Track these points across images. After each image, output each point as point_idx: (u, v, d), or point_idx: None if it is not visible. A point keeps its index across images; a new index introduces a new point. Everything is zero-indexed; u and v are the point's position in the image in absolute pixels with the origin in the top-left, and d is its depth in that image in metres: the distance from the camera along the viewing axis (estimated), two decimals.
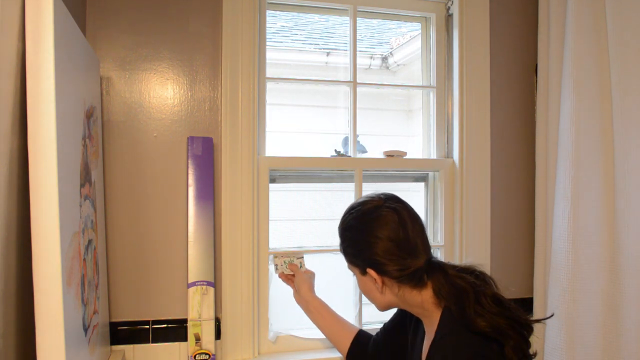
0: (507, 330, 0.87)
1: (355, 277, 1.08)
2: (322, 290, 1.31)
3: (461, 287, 0.93)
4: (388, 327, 1.21)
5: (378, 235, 0.97)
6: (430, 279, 0.97)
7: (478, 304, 0.90)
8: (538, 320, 0.95)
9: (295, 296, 1.31)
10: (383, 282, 0.99)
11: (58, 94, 0.77)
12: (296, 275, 1.32)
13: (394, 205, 1.01)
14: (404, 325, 1.16)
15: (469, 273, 0.97)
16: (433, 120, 1.61)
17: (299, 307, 1.30)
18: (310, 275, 1.33)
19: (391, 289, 0.99)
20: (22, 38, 0.75)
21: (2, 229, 0.71)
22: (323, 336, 1.42)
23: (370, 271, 0.99)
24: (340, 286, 1.46)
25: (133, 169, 1.31)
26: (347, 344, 1.23)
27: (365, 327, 1.45)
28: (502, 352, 0.87)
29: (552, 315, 1.07)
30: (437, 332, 0.94)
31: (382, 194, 1.05)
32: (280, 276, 1.35)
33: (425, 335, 1.04)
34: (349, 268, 1.08)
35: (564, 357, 1.33)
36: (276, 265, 1.35)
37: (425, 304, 0.98)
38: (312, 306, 1.28)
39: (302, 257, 1.37)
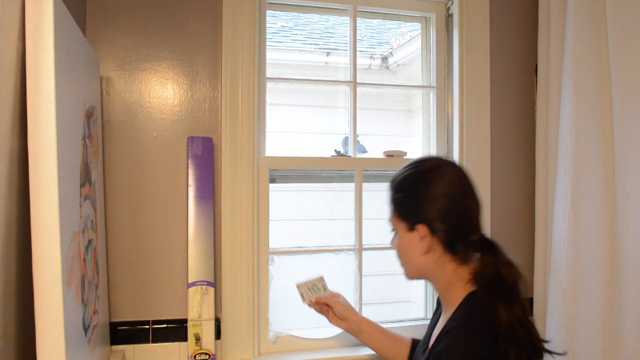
0: (519, 339, 0.86)
1: (394, 234, 1.04)
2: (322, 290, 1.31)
3: (504, 276, 0.91)
4: (429, 325, 1.17)
5: (440, 192, 0.94)
6: (481, 256, 0.94)
7: (512, 300, 0.88)
8: (551, 352, 0.93)
9: (340, 324, 1.27)
10: (431, 243, 0.95)
11: (58, 94, 0.77)
12: (331, 303, 1.26)
13: (459, 171, 0.99)
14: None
15: (515, 269, 0.95)
16: (433, 120, 1.61)
17: (307, 312, 1.29)
18: (344, 298, 1.30)
19: (434, 253, 0.96)
20: (22, 38, 0.75)
21: (2, 229, 0.71)
22: (323, 336, 1.42)
23: (422, 228, 0.95)
24: (340, 286, 1.46)
25: (133, 169, 1.31)
26: (405, 357, 1.20)
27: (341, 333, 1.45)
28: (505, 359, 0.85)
29: (564, 353, 1.04)
30: (452, 317, 0.93)
31: (440, 156, 1.04)
32: (310, 305, 1.29)
33: (441, 316, 1.03)
34: (392, 222, 1.03)
35: (564, 357, 1.33)
36: (302, 294, 1.29)
37: (456, 281, 0.95)
38: (364, 329, 1.25)
39: (323, 280, 1.32)
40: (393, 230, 1.05)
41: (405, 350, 1.22)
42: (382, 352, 1.25)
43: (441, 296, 1.02)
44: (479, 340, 0.86)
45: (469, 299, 0.93)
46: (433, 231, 0.95)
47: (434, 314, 1.17)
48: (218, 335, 1.33)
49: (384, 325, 1.31)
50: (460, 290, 0.95)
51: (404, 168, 1.03)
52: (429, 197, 0.95)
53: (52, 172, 0.74)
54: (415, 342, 1.23)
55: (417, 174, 1.00)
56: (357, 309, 1.48)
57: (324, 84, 1.75)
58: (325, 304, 1.27)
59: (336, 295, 1.31)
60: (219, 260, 1.34)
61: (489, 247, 0.95)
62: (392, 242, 1.06)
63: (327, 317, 1.29)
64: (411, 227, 0.97)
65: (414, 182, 0.99)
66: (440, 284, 1.00)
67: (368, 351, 1.36)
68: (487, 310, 0.88)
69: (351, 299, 1.49)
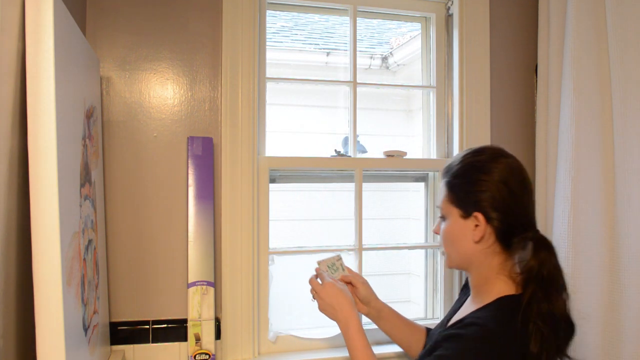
0: (552, 342, 0.86)
1: (442, 220, 1.02)
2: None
3: (558, 277, 0.91)
4: (452, 308, 1.15)
5: (501, 181, 0.93)
6: (535, 252, 0.92)
7: (555, 300, 0.88)
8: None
9: (361, 308, 1.22)
10: (484, 232, 0.93)
11: (58, 94, 0.77)
12: (356, 283, 1.20)
13: (519, 163, 0.99)
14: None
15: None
16: (433, 120, 1.61)
17: (360, 313, 1.23)
18: (366, 280, 1.24)
19: (485, 242, 0.94)
20: (22, 38, 0.75)
21: (2, 229, 0.71)
22: (323, 336, 1.42)
23: (478, 215, 0.93)
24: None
25: (133, 169, 1.31)
26: (420, 345, 1.18)
27: (365, 327, 1.45)
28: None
29: None
30: (476, 313, 0.92)
31: (501, 148, 1.02)
32: (341, 279, 1.21)
33: (466, 305, 1.02)
34: (444, 208, 1.01)
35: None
36: (322, 272, 1.23)
37: (499, 274, 0.94)
38: (383, 314, 1.22)
39: (341, 259, 1.26)
40: (441, 216, 1.03)
41: (422, 338, 1.21)
42: (398, 339, 1.24)
43: (476, 287, 0.99)
44: (489, 342, 0.85)
45: (501, 301, 0.92)
46: (488, 220, 0.93)
47: (458, 299, 1.15)
48: (218, 335, 1.33)
49: None
50: (498, 284, 0.94)
51: (463, 155, 1.01)
52: (489, 186, 0.93)
53: (52, 172, 0.74)
54: (429, 331, 1.22)
55: (478, 162, 0.98)
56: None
57: (324, 84, 1.74)
58: (350, 282, 1.21)
59: (359, 276, 1.27)
60: (219, 260, 1.34)
61: (544, 244, 0.94)
62: (435, 229, 1.05)
63: None
64: (466, 214, 0.96)
65: (475, 169, 0.97)
66: (480, 275, 0.98)
67: None
68: (514, 316, 0.87)
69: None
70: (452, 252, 1.00)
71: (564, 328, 0.88)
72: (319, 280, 1.15)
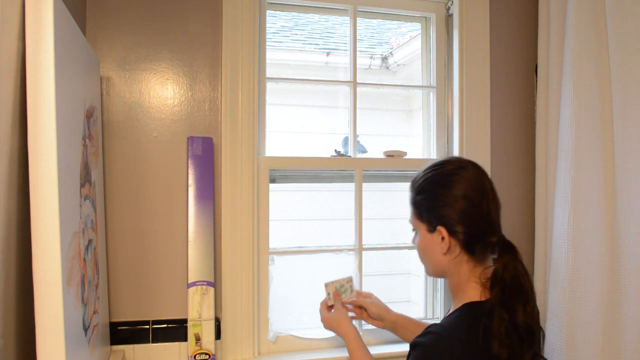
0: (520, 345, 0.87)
1: (415, 233, 1.06)
2: (323, 290, 1.31)
3: (522, 279, 0.92)
4: None
5: (460, 195, 0.96)
6: (499, 257, 0.94)
7: (529, 303, 0.89)
8: None
9: (376, 323, 1.32)
10: (450, 244, 0.97)
11: (58, 94, 0.77)
12: (365, 304, 1.32)
13: (480, 173, 1.01)
14: None
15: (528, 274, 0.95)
16: (433, 120, 1.61)
17: (318, 313, 1.30)
18: (377, 298, 1.35)
19: (452, 252, 0.97)
20: (22, 38, 0.75)
21: (2, 229, 0.71)
22: (323, 336, 1.42)
23: (442, 229, 0.97)
24: None
25: (133, 169, 1.31)
26: None
27: (365, 327, 1.45)
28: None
29: None
30: (449, 314, 0.94)
31: (462, 158, 1.04)
32: (343, 305, 1.31)
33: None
34: (412, 223, 1.06)
35: (564, 356, 1.33)
36: (329, 294, 1.30)
37: (470, 280, 0.96)
38: (398, 325, 1.29)
39: (352, 281, 1.34)
40: (414, 230, 1.07)
41: None
42: None
43: (451, 293, 1.02)
44: (443, 349, 0.87)
45: (464, 308, 0.94)
46: (452, 233, 0.96)
47: None
48: (218, 335, 1.33)
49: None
50: (469, 291, 0.96)
51: (425, 170, 1.04)
52: (449, 200, 0.96)
53: (52, 172, 0.74)
54: None
55: (438, 176, 1.01)
56: None
57: (324, 84, 1.75)
58: (360, 306, 1.33)
59: (368, 296, 1.35)
60: (219, 260, 1.34)
61: (508, 249, 0.95)
62: (413, 241, 1.08)
63: (361, 318, 1.34)
64: (432, 228, 0.99)
65: (435, 185, 1.00)
66: (453, 283, 1.01)
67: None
68: (474, 323, 0.88)
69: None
70: (427, 264, 1.05)
71: (525, 337, 0.88)
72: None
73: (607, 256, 1.33)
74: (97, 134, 1.16)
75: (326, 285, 1.30)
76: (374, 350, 1.39)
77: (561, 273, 1.35)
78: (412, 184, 1.06)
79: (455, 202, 0.96)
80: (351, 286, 1.33)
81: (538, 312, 0.97)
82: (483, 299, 0.93)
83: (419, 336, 0.91)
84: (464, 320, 0.91)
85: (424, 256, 1.04)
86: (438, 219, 0.98)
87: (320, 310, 1.29)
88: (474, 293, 0.95)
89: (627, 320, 1.28)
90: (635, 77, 1.31)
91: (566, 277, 1.34)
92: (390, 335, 1.37)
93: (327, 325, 1.26)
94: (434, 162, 1.05)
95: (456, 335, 0.87)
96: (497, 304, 0.89)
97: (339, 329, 1.22)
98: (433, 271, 1.05)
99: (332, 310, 1.27)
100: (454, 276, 0.99)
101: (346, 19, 1.57)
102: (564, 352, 1.33)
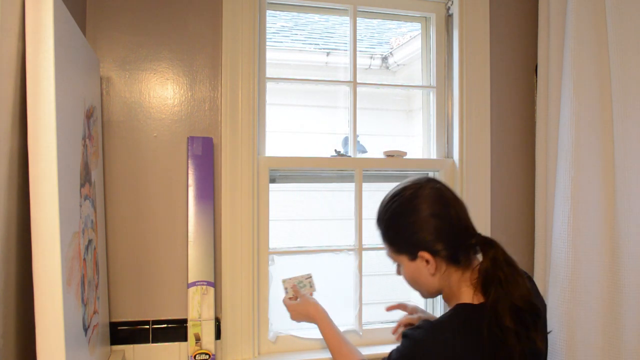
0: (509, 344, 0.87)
1: (398, 265, 1.06)
2: (323, 290, 1.31)
3: (514, 265, 0.93)
4: None
5: (427, 215, 0.96)
6: (484, 254, 0.95)
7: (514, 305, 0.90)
8: None
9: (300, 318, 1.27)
10: (436, 264, 0.97)
11: (58, 94, 0.77)
12: (412, 320, 1.28)
13: (437, 185, 1.01)
14: None
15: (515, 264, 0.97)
16: (433, 120, 1.61)
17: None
18: (421, 311, 1.32)
19: (439, 270, 0.98)
20: (22, 38, 0.75)
21: (2, 229, 0.71)
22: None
23: (424, 254, 0.97)
24: (340, 286, 1.46)
25: (133, 169, 1.31)
26: None
27: (365, 327, 1.45)
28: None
29: None
30: (442, 315, 0.95)
31: (417, 178, 1.04)
32: (284, 301, 1.29)
33: None
34: (392, 258, 1.05)
35: (564, 356, 1.33)
36: (286, 289, 1.31)
37: (462, 285, 0.97)
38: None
39: (311, 277, 1.33)
40: (394, 262, 1.07)
41: None
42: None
43: (446, 303, 1.04)
44: (426, 345, 0.88)
45: (456, 309, 0.94)
46: (434, 253, 0.97)
47: None
48: (218, 335, 1.33)
49: (385, 326, 1.31)
50: (461, 295, 0.97)
51: (386, 203, 1.04)
52: (420, 224, 0.97)
53: (52, 172, 0.74)
54: None
55: (401, 206, 1.01)
56: (357, 309, 1.48)
57: (324, 84, 1.74)
58: (410, 324, 1.29)
59: (414, 310, 1.32)
60: (219, 260, 1.34)
61: (488, 244, 0.97)
62: (397, 273, 1.08)
63: None
64: (413, 256, 1.00)
65: (401, 216, 1.00)
66: (446, 293, 1.02)
67: (368, 350, 1.36)
68: (466, 323, 0.89)
69: (351, 299, 1.50)
70: (420, 289, 1.06)
71: (530, 320, 0.90)
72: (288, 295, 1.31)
73: (607, 256, 1.34)
74: (97, 134, 1.16)
75: (283, 281, 1.31)
76: (374, 351, 1.39)
77: (561, 273, 1.35)
78: (379, 220, 1.06)
79: (426, 224, 0.97)
80: (310, 282, 1.32)
81: (536, 288, 1.01)
82: (475, 300, 0.94)
83: (411, 328, 0.92)
84: (454, 320, 0.92)
85: (415, 284, 1.05)
86: (416, 245, 0.98)
87: (285, 305, 1.27)
88: (466, 296, 0.96)
89: (627, 320, 1.28)
90: (635, 77, 1.31)
91: (566, 277, 1.34)
92: (390, 335, 1.36)
93: (295, 315, 1.24)
94: (392, 192, 1.05)
95: (445, 333, 0.88)
96: (499, 299, 0.89)
97: (308, 314, 1.21)
98: (428, 294, 1.05)
99: (297, 299, 1.26)
100: (447, 288, 1.00)
101: (346, 19, 1.57)
102: (564, 352, 1.33)
